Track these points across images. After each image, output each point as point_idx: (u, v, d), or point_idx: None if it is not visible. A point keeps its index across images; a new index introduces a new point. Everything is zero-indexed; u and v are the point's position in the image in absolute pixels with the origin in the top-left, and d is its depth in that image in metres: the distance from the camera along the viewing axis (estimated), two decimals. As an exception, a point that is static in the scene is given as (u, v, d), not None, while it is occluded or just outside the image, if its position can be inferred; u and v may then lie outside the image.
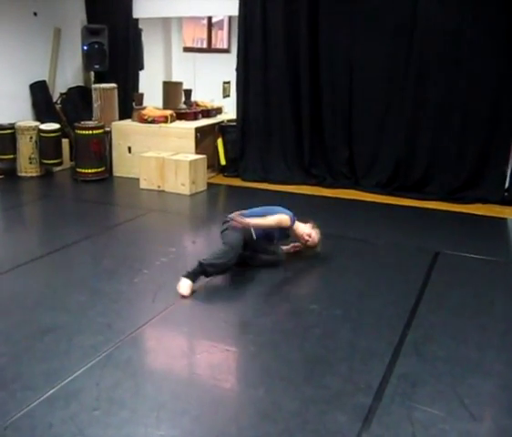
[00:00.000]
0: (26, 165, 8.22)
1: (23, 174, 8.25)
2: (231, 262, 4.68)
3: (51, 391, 3.18)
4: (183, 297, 4.42)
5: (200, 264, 4.54)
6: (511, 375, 3.54)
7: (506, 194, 7.16)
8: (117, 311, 4.20)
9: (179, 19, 10.84)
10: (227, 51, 12.64)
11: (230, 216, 4.97)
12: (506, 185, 7.19)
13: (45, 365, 3.44)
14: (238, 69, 8.16)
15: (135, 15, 9.04)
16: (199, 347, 3.81)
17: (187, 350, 3.83)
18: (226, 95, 9.51)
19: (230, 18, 12.02)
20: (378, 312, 4.26)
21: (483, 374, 3.51)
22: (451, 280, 4.92)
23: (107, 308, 4.24)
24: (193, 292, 4.48)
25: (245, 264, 4.95)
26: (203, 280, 4.60)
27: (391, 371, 3.47)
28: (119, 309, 4.24)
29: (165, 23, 10.65)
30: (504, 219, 6.68)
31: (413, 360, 3.61)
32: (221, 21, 12.70)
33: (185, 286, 4.46)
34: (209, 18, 11.89)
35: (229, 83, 9.50)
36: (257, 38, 7.90)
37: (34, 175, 8.26)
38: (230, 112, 9.25)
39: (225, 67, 10.23)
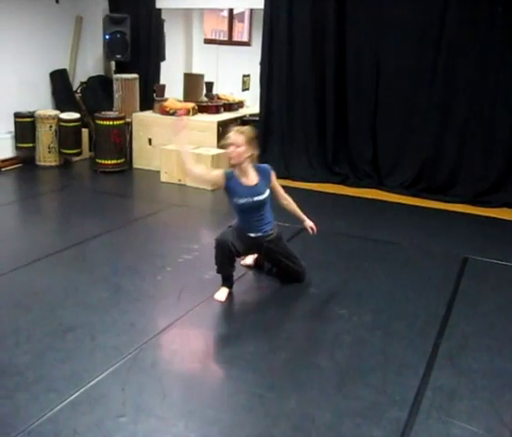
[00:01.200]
0: (45, 154, 8.14)
1: (41, 163, 8.17)
2: (220, 247, 4.32)
3: (75, 395, 3.07)
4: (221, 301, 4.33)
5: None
6: (551, 391, 3.40)
7: (533, 198, 7.00)
8: (140, 310, 4.09)
9: (201, 10, 10.71)
10: (247, 44, 12.53)
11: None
12: (534, 189, 7.03)
13: (68, 366, 3.34)
14: (262, 63, 8.03)
15: (158, 6, 8.91)
16: (227, 351, 3.69)
17: (215, 353, 3.72)
18: (245, 88, 9.40)
19: (251, 11, 11.89)
20: (409, 319, 4.13)
21: (521, 389, 3.38)
22: (481, 288, 4.78)
23: (130, 306, 4.13)
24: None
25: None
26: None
27: (426, 384, 3.35)
28: (143, 308, 4.14)
29: (186, 14, 10.53)
30: (532, 225, 6.52)
31: (448, 372, 3.48)
32: (242, 13, 12.57)
33: (222, 293, 4.36)
34: (231, 10, 11.76)
35: (248, 76, 9.40)
36: (282, 33, 7.77)
37: (53, 164, 8.18)
38: (249, 105, 9.14)
39: (245, 60, 10.14)
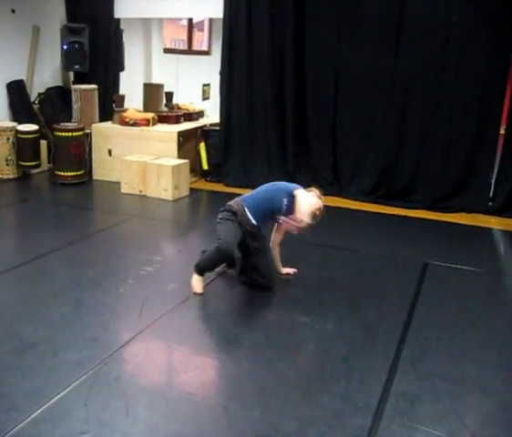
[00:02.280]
0: (3, 166, 7.99)
1: (-1, 176, 8.04)
2: (226, 257, 4.50)
3: (36, 413, 3.01)
4: (197, 294, 4.53)
5: (196, 266, 4.58)
6: (510, 392, 3.47)
7: (490, 204, 7.15)
8: (103, 324, 4.04)
9: (160, 20, 10.67)
10: (207, 53, 12.50)
11: (230, 203, 4.69)
12: (491, 194, 7.17)
13: (29, 383, 3.27)
14: (222, 72, 8.03)
15: (116, 15, 8.85)
16: (191, 363, 3.66)
17: (178, 366, 3.67)
18: (205, 97, 9.38)
19: (210, 20, 11.89)
20: (371, 326, 4.17)
21: (482, 392, 3.44)
22: (442, 293, 4.87)
23: (92, 320, 4.07)
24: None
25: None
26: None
27: (389, 390, 3.38)
28: (105, 322, 4.09)
29: (145, 23, 10.48)
30: (489, 229, 6.66)
31: (410, 378, 3.53)
32: (202, 22, 12.54)
33: (198, 284, 4.54)
34: (190, 19, 11.73)
35: (208, 85, 9.38)
36: (242, 42, 7.79)
37: (10, 177, 8.03)
38: (210, 115, 9.13)
39: (205, 70, 10.11)
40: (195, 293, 4.53)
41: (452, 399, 3.33)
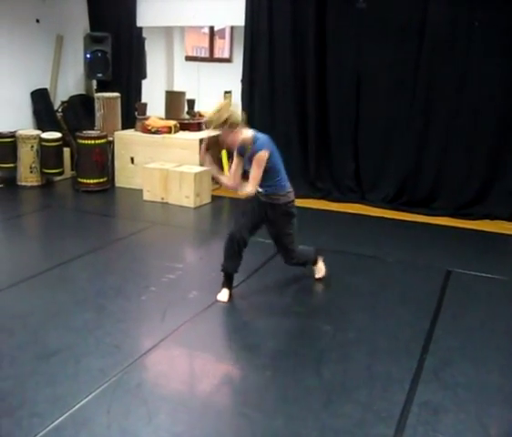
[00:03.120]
0: (27, 174, 8.08)
1: (23, 183, 8.10)
2: (233, 242, 4.51)
3: (59, 419, 3.03)
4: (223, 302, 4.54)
5: (222, 269, 4.58)
6: (535, 403, 3.42)
7: (514, 210, 7.06)
8: (125, 331, 4.06)
9: (182, 27, 10.72)
10: (228, 60, 12.54)
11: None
12: (515, 201, 7.09)
13: (52, 390, 3.30)
14: (243, 80, 8.05)
15: (139, 24, 8.93)
16: (213, 371, 3.67)
17: (200, 374, 3.68)
18: (227, 104, 9.39)
19: (232, 27, 11.93)
20: (393, 335, 4.14)
21: (506, 401, 3.41)
22: (465, 301, 4.81)
23: (114, 327, 4.10)
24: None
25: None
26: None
27: (412, 399, 3.35)
28: (127, 329, 4.11)
29: (167, 31, 10.53)
30: (513, 236, 6.58)
31: (433, 387, 3.49)
32: (223, 30, 12.58)
33: (224, 295, 4.53)
34: (212, 27, 11.78)
35: (230, 92, 9.39)
36: (263, 49, 7.81)
37: (34, 184, 8.12)
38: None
39: (227, 77, 10.13)
40: (218, 301, 4.55)
41: (476, 408, 3.29)
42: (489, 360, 3.85)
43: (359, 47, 7.43)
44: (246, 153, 4.48)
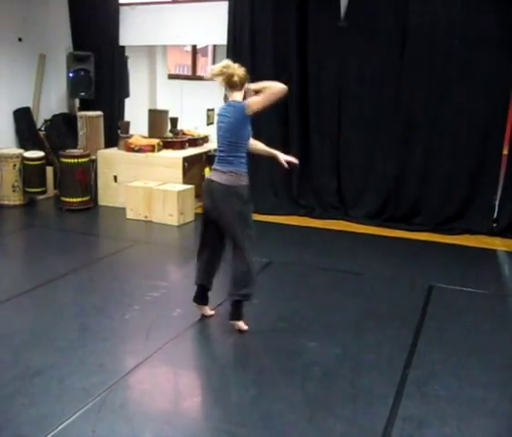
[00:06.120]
0: (9, 193, 8.05)
1: (5, 202, 8.06)
2: None
3: (44, 440, 3.03)
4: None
5: (247, 299, 4.37)
6: (517, 415, 3.47)
7: (494, 225, 7.15)
8: (108, 350, 4.06)
9: (164, 46, 10.77)
10: (211, 78, 12.57)
11: None
12: (495, 216, 7.18)
13: (35, 410, 3.29)
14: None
15: (121, 43, 8.96)
16: (197, 388, 3.68)
17: (184, 391, 3.68)
18: (210, 122, 9.42)
19: (214, 45, 11.99)
20: (377, 350, 4.17)
21: (488, 414, 3.44)
22: (447, 315, 4.86)
23: (98, 346, 4.09)
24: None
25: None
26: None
27: (395, 413, 3.38)
28: (111, 348, 4.10)
29: (150, 50, 10.56)
30: (493, 250, 6.65)
31: (416, 401, 3.52)
32: (205, 48, 12.67)
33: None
34: (194, 45, 11.84)
35: (213, 110, 9.42)
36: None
37: (17, 203, 8.08)
38: (214, 140, 9.15)
39: (209, 95, 10.17)
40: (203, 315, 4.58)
41: (459, 421, 3.32)
42: (472, 373, 3.89)
43: (340, 63, 7.51)
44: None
